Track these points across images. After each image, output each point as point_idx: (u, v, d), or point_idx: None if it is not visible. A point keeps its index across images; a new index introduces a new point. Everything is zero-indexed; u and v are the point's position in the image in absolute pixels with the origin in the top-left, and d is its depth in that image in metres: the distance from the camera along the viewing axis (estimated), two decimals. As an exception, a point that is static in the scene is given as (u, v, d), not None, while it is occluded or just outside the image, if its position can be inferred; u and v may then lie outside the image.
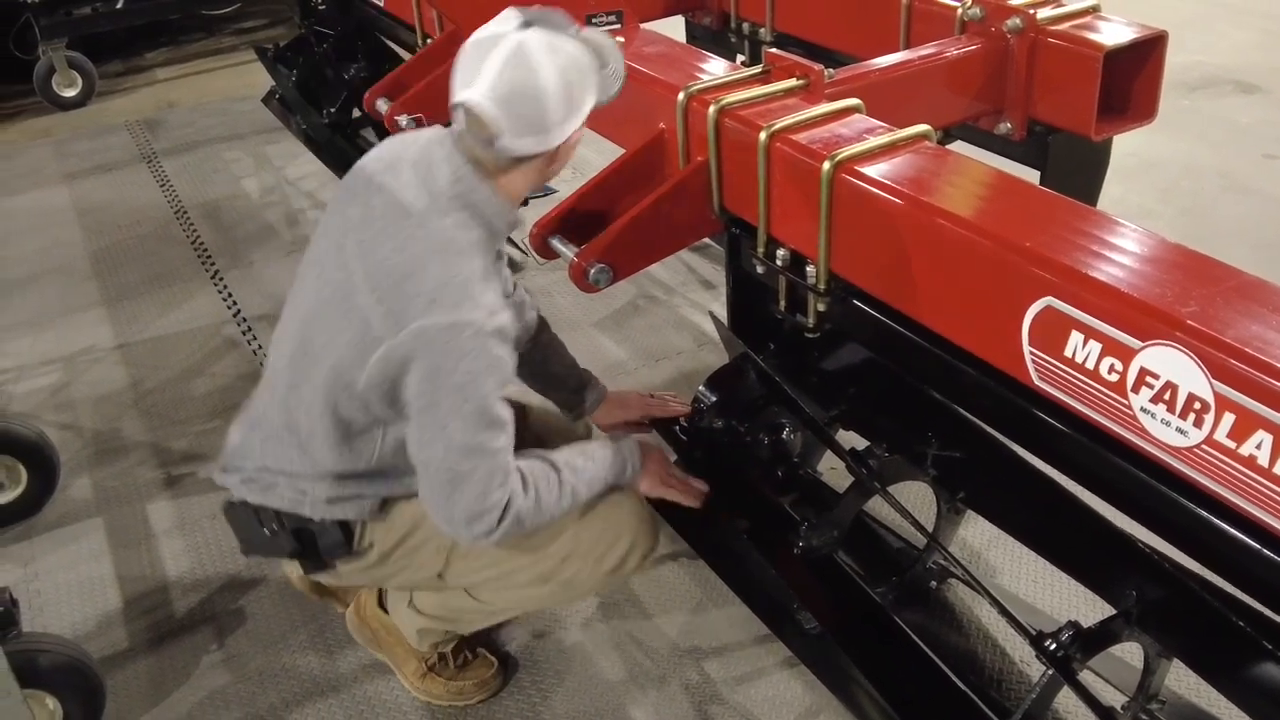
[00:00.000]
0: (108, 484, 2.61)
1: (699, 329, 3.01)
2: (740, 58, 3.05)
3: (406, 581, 1.89)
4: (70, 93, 5.28)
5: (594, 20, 2.36)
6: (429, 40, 3.03)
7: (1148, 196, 3.68)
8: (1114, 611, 1.60)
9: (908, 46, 2.43)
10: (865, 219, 1.67)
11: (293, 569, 1.96)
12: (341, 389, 1.63)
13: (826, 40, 2.72)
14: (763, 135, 1.80)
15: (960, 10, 2.28)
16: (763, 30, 2.91)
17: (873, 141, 1.72)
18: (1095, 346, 1.35)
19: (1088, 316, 1.35)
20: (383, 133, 2.67)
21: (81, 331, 3.28)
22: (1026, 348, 1.44)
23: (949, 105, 2.22)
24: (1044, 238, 1.45)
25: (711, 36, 3.13)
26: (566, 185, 3.40)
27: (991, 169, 1.69)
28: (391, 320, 1.57)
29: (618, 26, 2.38)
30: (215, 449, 2.68)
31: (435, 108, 2.67)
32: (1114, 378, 1.34)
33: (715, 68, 2.15)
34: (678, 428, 2.05)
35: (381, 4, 3.41)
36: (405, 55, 3.41)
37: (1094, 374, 1.36)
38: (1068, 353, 1.39)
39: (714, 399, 2.05)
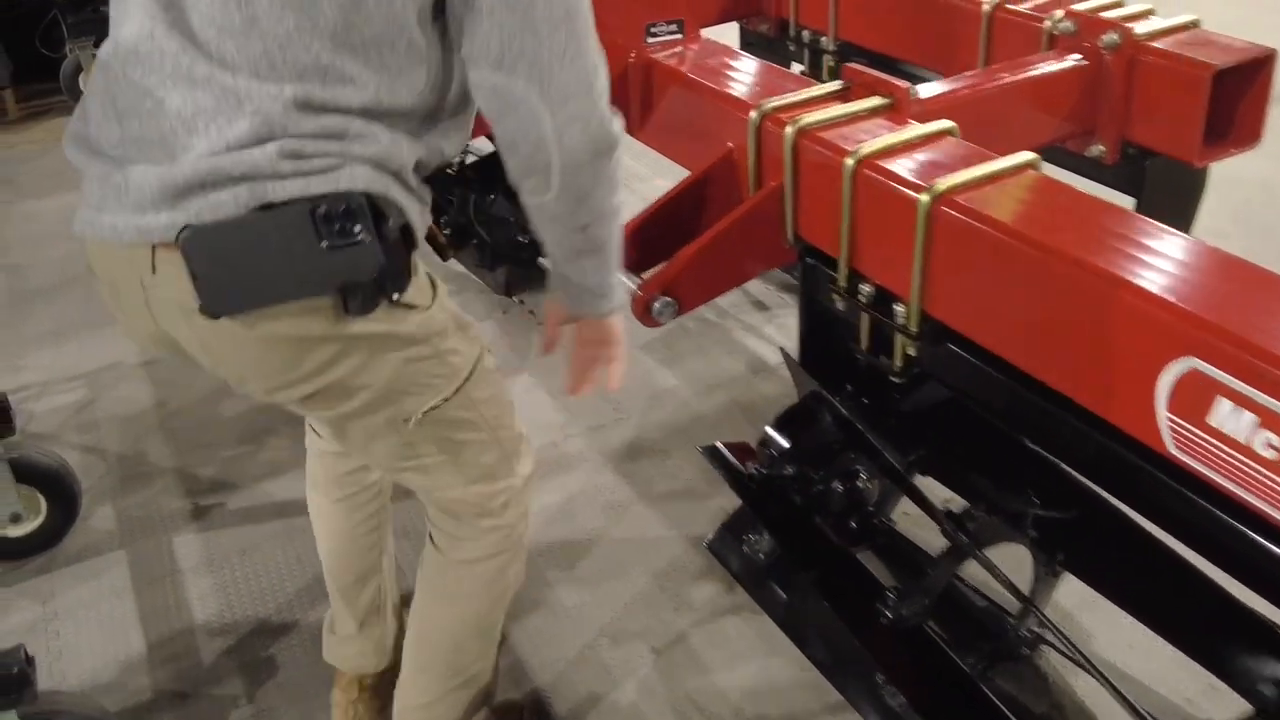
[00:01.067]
0: (131, 513, 2.48)
1: (753, 354, 2.86)
2: (799, 67, 2.90)
3: (417, 406, 1.38)
4: (97, 91, 5.15)
5: (654, 30, 2.21)
6: None
7: (1220, 218, 3.48)
8: (1250, 710, 1.43)
9: (987, 61, 2.28)
10: (969, 258, 1.52)
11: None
12: None
13: (896, 51, 2.57)
14: (849, 161, 1.65)
15: (1048, 23, 2.12)
16: (824, 39, 2.75)
17: (975, 171, 1.56)
18: (1249, 418, 1.19)
19: (1241, 384, 1.19)
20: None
21: (104, 345, 3.14)
22: (1163, 412, 1.28)
23: (1039, 126, 2.06)
24: (1187, 289, 1.29)
25: (768, 44, 2.97)
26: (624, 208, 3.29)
27: (1114, 205, 1.53)
28: None
29: (679, 37, 2.22)
30: (244, 476, 2.56)
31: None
32: (1271, 454, 1.18)
33: (788, 83, 2.00)
34: (746, 475, 1.90)
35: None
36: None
37: (1246, 449, 1.20)
38: (1214, 422, 1.23)
39: (785, 444, 1.89)
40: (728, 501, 2.12)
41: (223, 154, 1.15)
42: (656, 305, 1.80)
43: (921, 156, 1.65)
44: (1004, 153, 1.60)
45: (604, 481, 2.45)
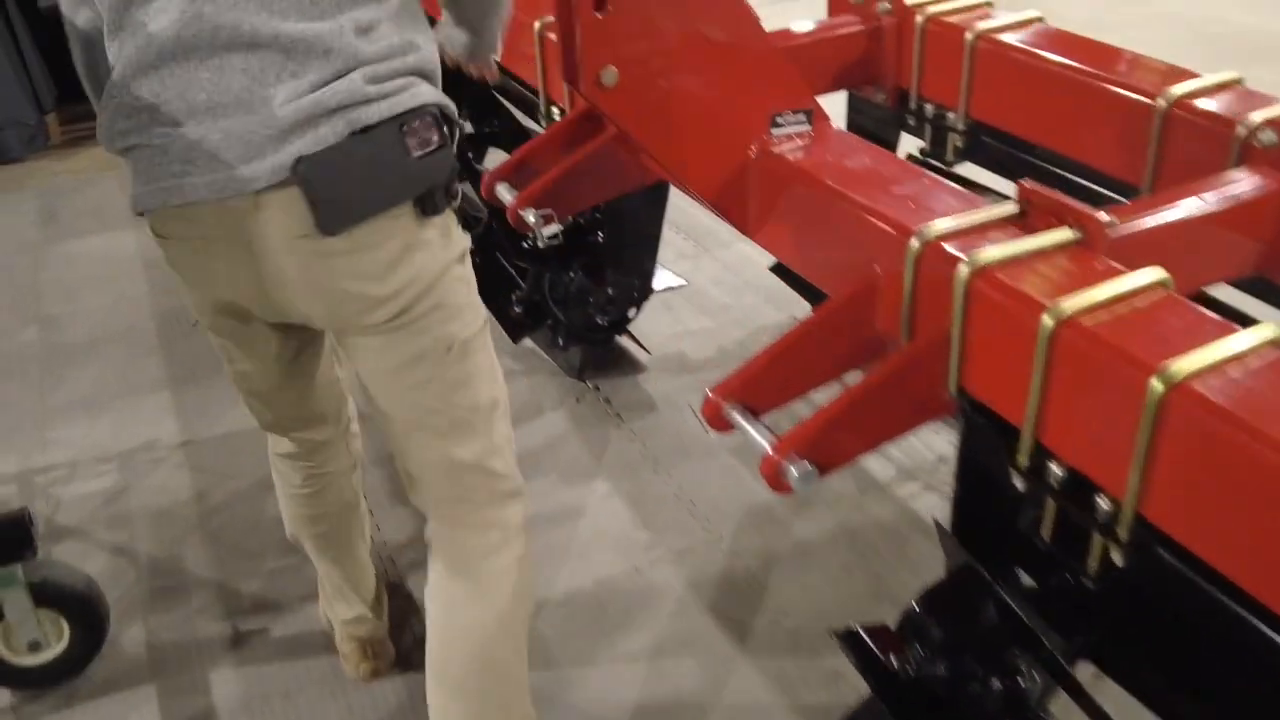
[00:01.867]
0: (163, 636, 2.21)
1: (861, 468, 2.55)
2: (917, 143, 2.60)
3: (459, 330, 1.57)
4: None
5: (780, 121, 1.92)
6: (556, 113, 2.59)
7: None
8: None
9: (1157, 167, 1.97)
10: (1212, 463, 1.21)
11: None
12: None
13: (1039, 138, 2.26)
14: (1047, 320, 1.34)
15: (1240, 130, 1.81)
16: (952, 115, 2.45)
17: (1218, 349, 1.25)
18: None
19: None
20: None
21: (142, 420, 2.89)
22: None
23: (1234, 257, 1.75)
24: None
25: (883, 117, 2.67)
26: (725, 295, 2.99)
27: None
28: None
29: (807, 128, 1.93)
30: (290, 596, 2.28)
31: (568, 203, 2.25)
32: None
33: (946, 198, 1.69)
34: (890, 670, 1.60)
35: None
36: (522, 118, 2.99)
37: None
38: None
39: (933, 630, 1.59)
40: (840, 662, 1.84)
41: (310, 94, 1.32)
42: (795, 473, 1.49)
43: (1138, 320, 1.34)
44: (1191, 285, 1.29)
45: (697, 626, 2.15)
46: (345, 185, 1.36)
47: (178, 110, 1.34)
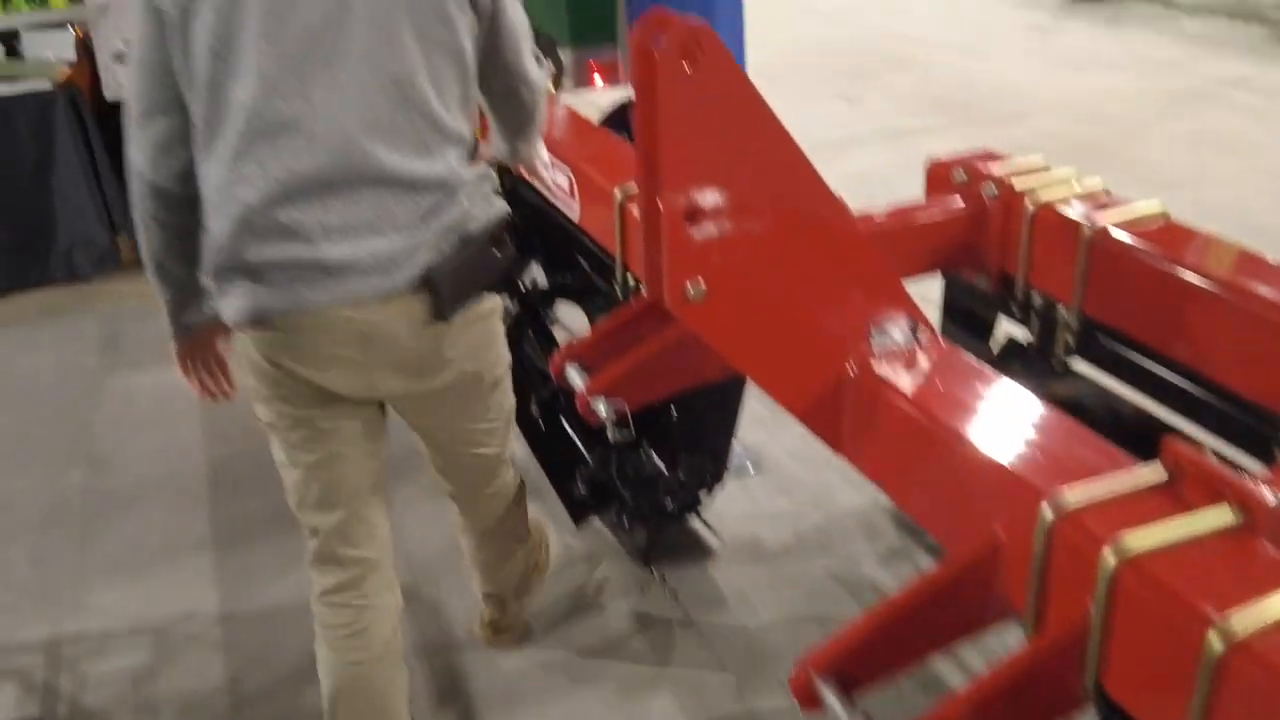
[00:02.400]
0: None
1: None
2: (1018, 330, 2.40)
3: (501, 369, 2.02)
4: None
5: (881, 333, 1.73)
6: (632, 289, 2.42)
7: None
8: None
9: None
10: None
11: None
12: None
13: (1168, 349, 2.04)
14: (1215, 642, 1.12)
15: None
16: (1063, 310, 2.23)
17: None
18: None
19: None
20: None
21: (182, 586, 2.73)
22: None
23: None
24: None
25: (984, 299, 2.48)
26: (802, 471, 2.80)
27: None
28: None
29: (912, 343, 1.74)
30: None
31: (641, 392, 2.07)
32: None
33: (1081, 450, 1.48)
34: None
35: (575, 218, 2.80)
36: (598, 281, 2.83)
37: None
38: None
39: None
40: None
41: (432, 217, 1.71)
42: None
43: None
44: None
45: None
46: (455, 281, 1.75)
47: (313, 231, 1.65)
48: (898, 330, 1.76)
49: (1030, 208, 2.20)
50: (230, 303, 1.72)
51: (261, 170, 1.63)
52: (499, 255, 1.82)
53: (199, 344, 1.99)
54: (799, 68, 4.59)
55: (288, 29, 1.60)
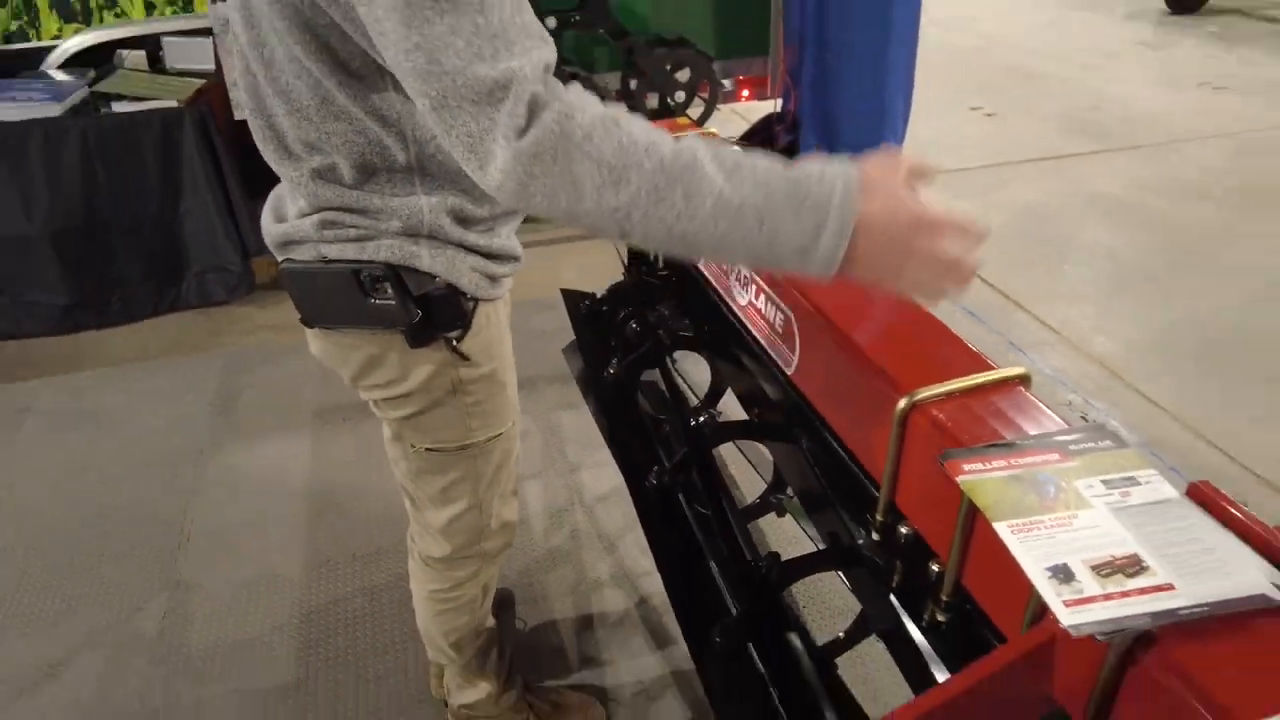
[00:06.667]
0: None
1: None
2: None
3: (421, 440, 1.71)
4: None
5: None
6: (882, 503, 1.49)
7: None
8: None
9: None
10: None
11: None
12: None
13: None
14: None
15: None
16: None
17: None
18: None
19: None
20: None
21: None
22: None
23: None
24: None
25: None
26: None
27: None
28: None
29: None
30: None
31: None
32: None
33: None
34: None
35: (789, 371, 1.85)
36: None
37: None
38: None
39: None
40: None
41: (295, 220, 1.51)
42: None
43: None
44: None
45: None
46: (312, 297, 1.55)
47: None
48: None
49: None
50: None
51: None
52: (373, 307, 1.52)
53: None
54: (928, 73, 4.23)
55: None
